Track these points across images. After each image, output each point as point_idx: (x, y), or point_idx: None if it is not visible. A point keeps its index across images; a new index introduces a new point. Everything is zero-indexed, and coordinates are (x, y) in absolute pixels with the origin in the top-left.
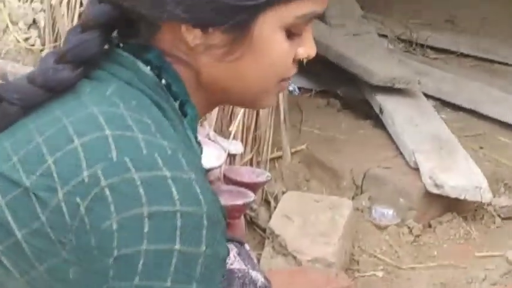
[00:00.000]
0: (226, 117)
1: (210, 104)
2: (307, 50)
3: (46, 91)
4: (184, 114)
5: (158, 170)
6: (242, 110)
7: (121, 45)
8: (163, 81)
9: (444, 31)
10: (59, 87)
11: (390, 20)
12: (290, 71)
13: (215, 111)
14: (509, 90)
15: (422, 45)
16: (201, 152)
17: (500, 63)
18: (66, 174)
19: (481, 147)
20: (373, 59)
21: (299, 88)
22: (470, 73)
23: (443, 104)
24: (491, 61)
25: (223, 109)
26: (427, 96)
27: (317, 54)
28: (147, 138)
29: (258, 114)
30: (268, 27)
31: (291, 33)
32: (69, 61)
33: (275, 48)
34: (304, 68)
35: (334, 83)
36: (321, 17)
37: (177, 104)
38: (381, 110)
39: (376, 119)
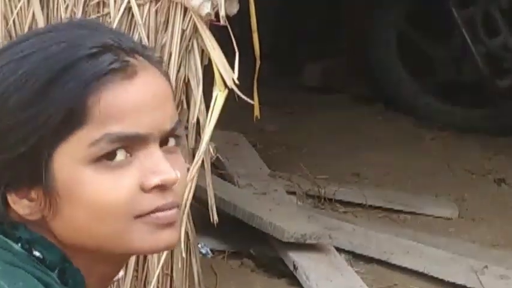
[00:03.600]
0: (140, 284)
1: (94, 264)
2: (155, 175)
3: None
4: (66, 283)
5: None
6: (156, 274)
7: None
8: (36, 253)
9: (351, 185)
10: None
11: (297, 176)
12: (140, 202)
13: (129, 276)
14: (419, 239)
15: (330, 200)
16: None
17: (407, 213)
18: None
19: None
20: (283, 216)
21: (211, 250)
22: (380, 225)
23: (356, 256)
24: (399, 211)
25: (136, 277)
26: (339, 250)
27: (227, 215)
28: None
29: (172, 279)
30: (66, 168)
31: (110, 164)
32: None
33: (87, 186)
34: (215, 229)
35: (246, 242)
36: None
37: (55, 274)
38: (295, 267)
39: (291, 277)
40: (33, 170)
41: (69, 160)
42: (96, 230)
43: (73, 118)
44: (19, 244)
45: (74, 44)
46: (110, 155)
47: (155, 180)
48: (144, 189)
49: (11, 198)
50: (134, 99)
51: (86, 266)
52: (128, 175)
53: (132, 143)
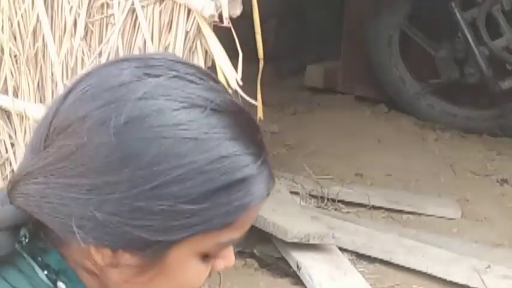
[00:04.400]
0: None
1: None
2: (225, 262)
3: None
4: None
5: None
6: None
7: (24, 242)
8: (60, 284)
9: (354, 185)
10: None
11: (301, 177)
12: (202, 284)
13: None
14: (421, 239)
15: (333, 200)
16: None
17: (410, 213)
18: None
19: None
20: (286, 216)
21: None
22: (383, 224)
23: (359, 256)
24: (402, 211)
25: None
26: (342, 250)
27: None
28: None
29: None
30: (183, 255)
31: (207, 255)
32: None
33: (189, 273)
34: None
35: (249, 242)
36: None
37: None
38: (298, 267)
39: (294, 276)
40: (149, 249)
41: (189, 250)
42: None
43: (225, 225)
44: (45, 272)
45: (247, 153)
46: (217, 252)
47: (222, 266)
48: (209, 271)
49: (96, 247)
50: (256, 214)
51: None
52: (211, 262)
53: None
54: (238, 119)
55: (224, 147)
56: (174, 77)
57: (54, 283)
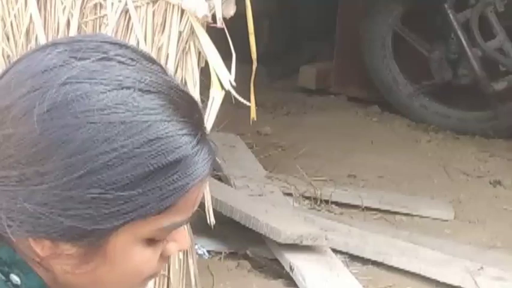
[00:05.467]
0: None
1: None
2: (178, 245)
3: None
4: None
5: None
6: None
7: None
8: (14, 277)
9: (347, 186)
10: None
11: (294, 178)
12: (156, 269)
13: None
14: (414, 240)
15: (327, 202)
16: None
17: (403, 214)
18: None
19: None
20: (279, 217)
21: (208, 251)
22: (376, 226)
23: (352, 258)
24: (395, 213)
25: None
26: (335, 251)
27: (223, 216)
28: None
29: (168, 280)
30: (124, 242)
31: (152, 240)
32: None
33: (134, 260)
34: (212, 230)
35: (242, 244)
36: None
37: None
38: (291, 268)
39: (288, 278)
40: (87, 239)
41: (130, 236)
42: (116, 286)
43: (164, 207)
44: None
45: (180, 134)
46: (164, 235)
47: (174, 250)
48: (162, 256)
49: (34, 240)
50: (203, 191)
51: None
52: (160, 246)
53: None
54: (172, 99)
55: (154, 129)
56: (102, 59)
57: (7, 276)
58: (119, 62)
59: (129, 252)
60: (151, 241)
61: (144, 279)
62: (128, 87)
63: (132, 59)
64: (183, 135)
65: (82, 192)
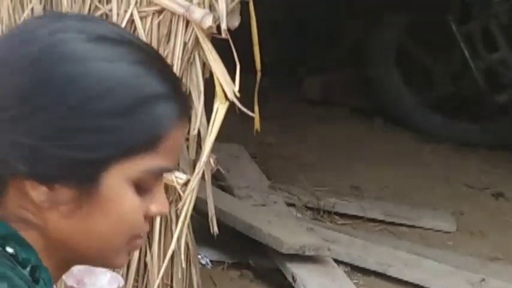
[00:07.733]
0: None
1: (64, 265)
2: (159, 206)
3: None
4: (37, 280)
5: None
6: (156, 285)
7: None
8: (9, 249)
9: (350, 197)
10: None
11: (297, 188)
12: (141, 227)
13: (129, 286)
14: (417, 251)
15: (329, 212)
16: None
17: (405, 225)
18: None
19: None
20: (282, 228)
21: (211, 261)
22: (378, 237)
23: (354, 268)
24: (397, 224)
25: (137, 287)
26: (337, 262)
27: (227, 226)
28: None
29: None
30: (116, 182)
31: (141, 189)
32: None
33: (124, 204)
34: (215, 240)
35: (245, 254)
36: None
37: (27, 271)
38: (293, 278)
39: (290, 287)
40: (83, 173)
41: (121, 176)
42: (106, 239)
43: (147, 143)
44: None
45: (159, 76)
46: (150, 184)
47: (156, 211)
48: (145, 216)
49: (31, 184)
50: (183, 141)
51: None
52: (146, 201)
53: (161, 176)
54: (150, 53)
55: (136, 68)
56: (83, 19)
57: (3, 247)
58: (99, 21)
59: (121, 195)
60: (139, 189)
61: (131, 237)
62: (111, 39)
63: (113, 32)
64: (161, 78)
65: (74, 122)
